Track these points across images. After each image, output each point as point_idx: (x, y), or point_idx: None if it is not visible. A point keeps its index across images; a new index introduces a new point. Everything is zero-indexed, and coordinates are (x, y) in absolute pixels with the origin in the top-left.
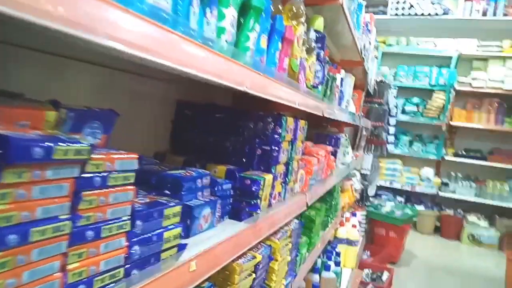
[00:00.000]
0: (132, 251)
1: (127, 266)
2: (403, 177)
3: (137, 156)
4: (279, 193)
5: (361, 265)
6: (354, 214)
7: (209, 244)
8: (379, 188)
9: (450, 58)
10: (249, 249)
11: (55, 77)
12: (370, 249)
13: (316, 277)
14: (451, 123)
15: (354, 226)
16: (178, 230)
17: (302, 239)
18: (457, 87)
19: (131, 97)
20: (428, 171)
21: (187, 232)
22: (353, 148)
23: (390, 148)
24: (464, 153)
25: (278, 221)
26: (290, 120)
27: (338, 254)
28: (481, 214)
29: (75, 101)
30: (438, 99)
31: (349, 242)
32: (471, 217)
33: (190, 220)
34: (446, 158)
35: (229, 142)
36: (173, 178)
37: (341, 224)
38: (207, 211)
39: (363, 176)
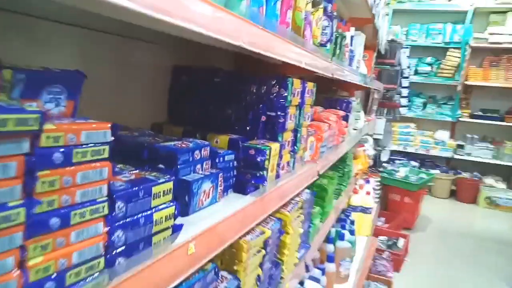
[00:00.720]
0: (114, 238)
1: (108, 255)
2: (417, 140)
3: (109, 125)
4: (288, 163)
5: (376, 232)
6: (367, 181)
7: (211, 222)
8: (393, 152)
9: (465, 13)
10: (257, 224)
11: (29, 41)
12: (385, 216)
13: (330, 247)
14: (467, 82)
15: (368, 193)
16: (171, 209)
17: (315, 209)
18: (473, 44)
19: (122, 64)
20: (443, 134)
21: (186, 210)
22: (365, 112)
23: (403, 111)
24: (480, 113)
25: (288, 192)
26: (297, 82)
27: (352, 223)
28: (499, 176)
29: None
30: (453, 57)
31: (363, 210)
32: (488, 180)
33: (189, 196)
34: (462, 119)
35: (231, 109)
36: (168, 150)
37: (355, 191)
38: (207, 185)
39: (376, 141)
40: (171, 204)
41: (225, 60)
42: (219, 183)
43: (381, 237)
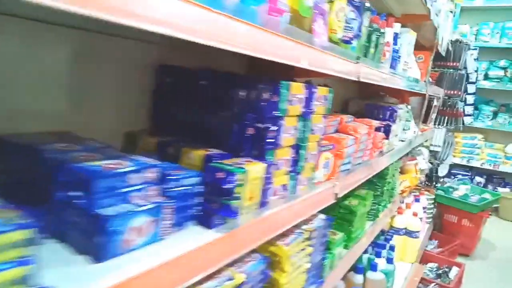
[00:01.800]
0: None
1: None
2: (484, 154)
3: None
4: (284, 186)
5: (425, 258)
6: (417, 199)
7: (135, 269)
8: (455, 167)
9: None
10: (227, 266)
11: None
12: (438, 239)
13: (359, 278)
14: None
15: (415, 214)
16: (20, 270)
17: (336, 236)
18: None
19: (94, 61)
20: None
21: (98, 254)
22: (423, 122)
23: (468, 120)
24: None
25: (282, 222)
26: (297, 87)
27: (392, 248)
28: None
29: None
30: None
31: (409, 233)
32: None
33: (102, 236)
34: None
35: (216, 118)
36: (81, 173)
37: (399, 211)
38: (142, 220)
39: (433, 154)
40: (22, 262)
41: (236, 63)
42: (167, 215)
43: (431, 265)
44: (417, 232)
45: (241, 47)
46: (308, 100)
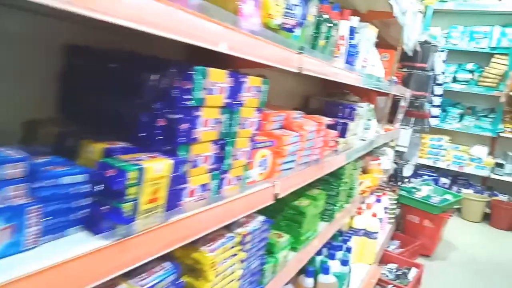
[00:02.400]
0: None
1: None
2: (450, 155)
3: None
4: (205, 186)
5: (385, 259)
6: (378, 200)
7: None
8: (420, 167)
9: None
10: (123, 279)
11: None
12: (400, 239)
13: (309, 282)
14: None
15: (374, 215)
16: None
17: (282, 238)
18: None
19: None
20: (480, 150)
21: None
22: (390, 122)
23: (434, 122)
24: None
25: (196, 229)
26: (217, 74)
27: (348, 250)
28: None
29: None
30: (498, 64)
31: (367, 234)
32: None
33: None
34: (503, 135)
35: (125, 106)
36: None
37: (359, 212)
38: None
39: (399, 154)
40: None
41: (173, 50)
42: (35, 220)
43: (390, 265)
44: (376, 233)
45: (130, 20)
46: (234, 90)
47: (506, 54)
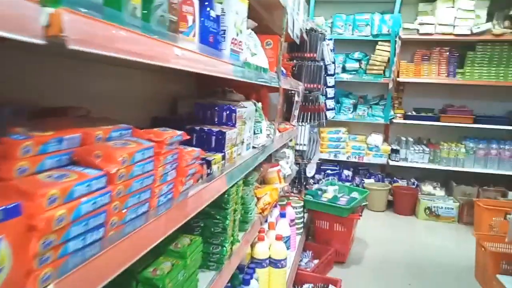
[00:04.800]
0: None
1: None
2: (349, 147)
3: None
4: None
5: (299, 279)
6: (283, 215)
7: None
8: (322, 162)
9: (393, 2)
10: None
11: None
12: (312, 249)
13: None
14: (398, 79)
15: (279, 237)
16: None
17: None
18: (403, 35)
19: None
20: (375, 138)
21: None
22: (286, 120)
23: (330, 114)
24: (414, 113)
25: None
26: None
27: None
28: (437, 182)
29: None
30: (382, 51)
31: (273, 263)
32: (426, 187)
33: None
34: (395, 121)
35: None
36: None
37: (261, 237)
38: None
39: (300, 153)
40: None
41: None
42: None
43: (306, 286)
44: (284, 260)
45: None
46: None
47: (388, 41)
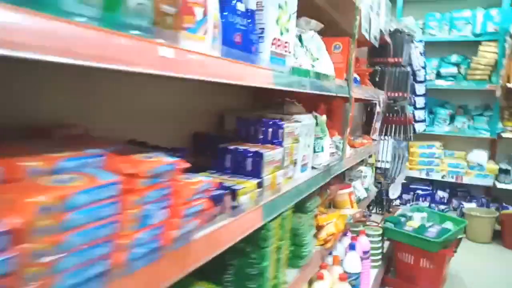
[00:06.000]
0: None
1: None
2: (445, 164)
3: None
4: None
5: None
6: (352, 246)
7: None
8: (413, 180)
9: None
10: None
11: None
12: (392, 285)
13: None
14: (509, 85)
15: (343, 278)
16: None
17: None
18: None
19: None
20: (479, 155)
21: None
22: (366, 133)
23: (420, 127)
24: None
25: None
26: None
27: None
28: None
29: None
30: (487, 53)
31: None
32: None
33: None
34: (504, 135)
35: None
36: None
37: (319, 276)
38: None
39: (381, 171)
40: None
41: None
42: None
43: None
44: None
45: None
46: None
47: (495, 41)
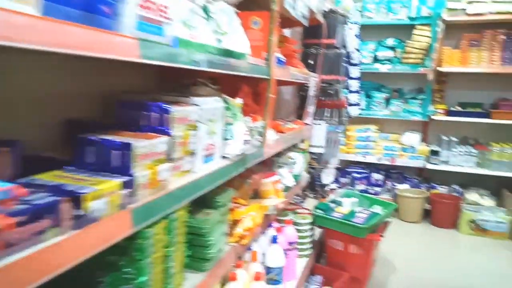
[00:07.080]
0: None
1: None
2: (380, 147)
3: None
4: None
5: None
6: (274, 239)
7: None
8: (349, 163)
9: None
10: None
11: None
12: (322, 273)
13: None
14: (440, 69)
15: (258, 277)
16: None
17: None
18: (447, 18)
19: None
20: (411, 137)
21: None
22: (298, 118)
23: (355, 111)
24: (458, 109)
25: None
26: None
27: None
28: (485, 190)
29: None
30: (421, 36)
31: None
32: (471, 195)
33: None
34: (435, 117)
35: None
36: None
37: (232, 276)
38: None
39: (315, 156)
40: None
41: None
42: None
43: None
44: None
45: None
46: None
47: (428, 25)
